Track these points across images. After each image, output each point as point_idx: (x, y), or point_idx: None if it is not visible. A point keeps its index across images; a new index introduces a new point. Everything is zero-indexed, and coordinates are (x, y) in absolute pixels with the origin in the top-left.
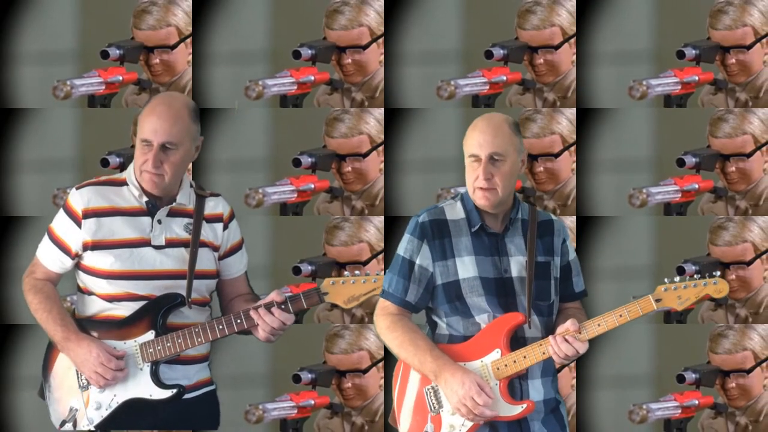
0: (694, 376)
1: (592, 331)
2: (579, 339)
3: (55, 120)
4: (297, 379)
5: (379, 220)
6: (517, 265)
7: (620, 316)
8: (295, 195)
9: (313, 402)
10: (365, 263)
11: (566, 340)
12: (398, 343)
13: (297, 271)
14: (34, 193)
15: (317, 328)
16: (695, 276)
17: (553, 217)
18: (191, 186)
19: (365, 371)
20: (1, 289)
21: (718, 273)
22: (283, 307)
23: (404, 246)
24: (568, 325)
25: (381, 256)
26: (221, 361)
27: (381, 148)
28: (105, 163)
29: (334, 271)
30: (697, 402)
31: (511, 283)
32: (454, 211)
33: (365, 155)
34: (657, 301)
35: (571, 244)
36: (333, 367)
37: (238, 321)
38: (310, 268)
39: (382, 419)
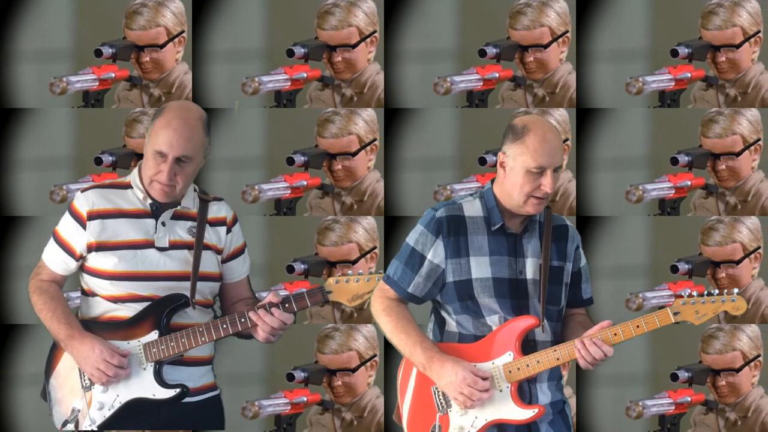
0: (686, 374)
1: (608, 339)
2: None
3: (51, 119)
4: (291, 377)
5: (368, 221)
6: (532, 267)
7: (637, 326)
8: (289, 191)
9: (305, 399)
10: (354, 262)
11: (594, 344)
12: (391, 328)
13: (290, 269)
14: (32, 191)
15: (309, 329)
16: (705, 292)
17: (567, 222)
18: (195, 190)
19: (354, 370)
20: None
21: (737, 290)
22: (286, 305)
23: (415, 237)
24: (596, 329)
25: (370, 255)
26: (220, 360)
27: (370, 147)
28: (98, 161)
29: (326, 269)
30: (689, 399)
31: (525, 285)
32: (473, 209)
33: (354, 154)
34: (675, 314)
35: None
36: (324, 367)
37: (242, 320)
38: (303, 266)
39: (370, 415)
